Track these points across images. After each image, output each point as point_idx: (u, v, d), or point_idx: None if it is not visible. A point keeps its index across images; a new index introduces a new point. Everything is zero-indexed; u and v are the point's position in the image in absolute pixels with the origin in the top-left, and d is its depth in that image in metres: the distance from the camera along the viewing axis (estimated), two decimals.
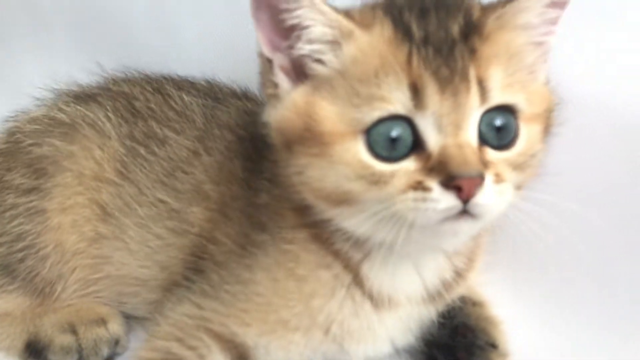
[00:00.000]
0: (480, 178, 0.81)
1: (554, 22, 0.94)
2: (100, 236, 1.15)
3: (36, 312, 1.19)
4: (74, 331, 1.18)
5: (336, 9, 0.89)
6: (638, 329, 1.14)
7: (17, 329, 1.18)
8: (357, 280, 1.00)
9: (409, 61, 0.84)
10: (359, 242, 0.97)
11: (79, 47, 1.71)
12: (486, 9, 0.90)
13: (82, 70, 1.33)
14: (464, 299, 1.14)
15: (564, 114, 0.98)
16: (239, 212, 1.05)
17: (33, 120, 1.22)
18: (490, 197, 0.82)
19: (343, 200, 0.88)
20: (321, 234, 0.98)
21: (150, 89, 1.23)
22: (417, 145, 0.85)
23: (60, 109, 1.22)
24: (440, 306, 1.09)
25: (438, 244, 0.98)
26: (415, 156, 0.85)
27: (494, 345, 1.10)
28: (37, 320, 1.19)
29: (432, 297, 1.04)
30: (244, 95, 1.25)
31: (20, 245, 1.15)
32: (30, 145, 1.18)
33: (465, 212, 0.82)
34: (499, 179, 0.84)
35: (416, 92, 0.83)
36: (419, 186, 0.82)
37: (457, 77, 0.83)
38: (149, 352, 1.05)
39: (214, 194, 1.09)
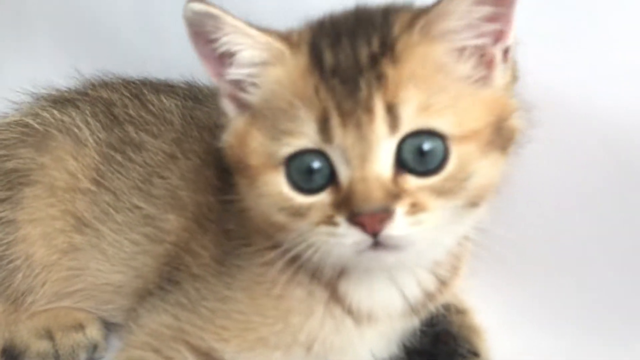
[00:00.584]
0: (386, 212, 0.79)
1: (493, 19, 0.85)
2: (75, 247, 1.13)
3: (11, 318, 1.18)
4: (50, 337, 1.17)
5: (269, 31, 0.88)
6: (623, 336, 1.13)
7: None
8: (336, 297, 0.98)
9: (317, 93, 0.82)
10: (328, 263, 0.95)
11: (62, 50, 1.70)
12: (413, 19, 0.85)
13: (63, 73, 1.31)
14: (448, 307, 1.12)
15: (535, 117, 0.94)
16: (215, 226, 1.03)
17: (7, 127, 1.20)
18: (402, 229, 0.80)
19: (276, 230, 0.88)
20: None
21: (128, 94, 1.21)
22: (333, 177, 0.84)
23: (36, 115, 1.20)
24: (424, 315, 1.07)
25: (383, 270, 0.95)
26: (330, 189, 0.84)
27: (475, 354, 1.09)
28: (12, 326, 1.17)
29: (415, 309, 1.02)
30: None
31: None
32: (4, 154, 1.16)
33: (380, 244, 0.81)
34: (415, 209, 0.81)
35: (324, 124, 0.82)
36: (329, 221, 0.82)
37: (360, 109, 0.81)
38: None
39: (189, 201, 1.07)
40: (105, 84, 1.28)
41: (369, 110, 0.80)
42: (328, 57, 0.84)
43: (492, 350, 1.10)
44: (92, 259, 1.13)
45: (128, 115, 1.17)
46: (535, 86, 1.09)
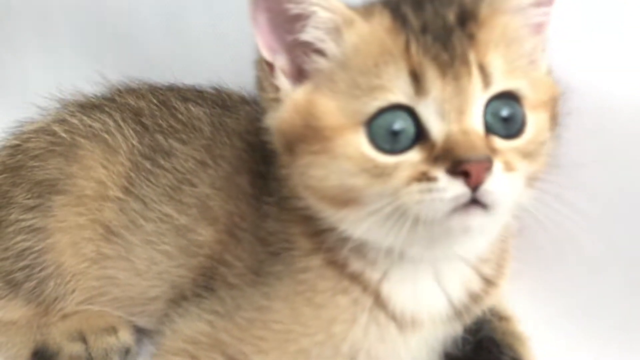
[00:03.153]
0: (489, 162, 0.79)
1: (547, 2, 0.91)
2: (104, 256, 1.12)
3: (43, 321, 1.18)
4: (83, 340, 1.17)
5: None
6: None
7: (24, 338, 1.17)
8: (379, 302, 0.96)
9: (407, 49, 0.83)
10: (373, 260, 0.94)
11: (86, 54, 1.69)
12: None
13: (88, 79, 1.29)
14: (492, 312, 1.10)
15: (570, 105, 0.96)
16: (249, 235, 1.01)
17: (36, 135, 1.19)
18: (500, 184, 0.80)
19: (347, 198, 0.85)
20: (335, 258, 0.94)
21: (155, 101, 1.19)
22: (420, 136, 0.82)
23: (64, 121, 1.19)
24: (468, 320, 1.04)
25: (449, 245, 0.92)
26: (419, 147, 0.82)
27: None
28: (44, 328, 1.17)
29: (459, 312, 1.00)
30: (254, 101, 1.19)
31: (22, 263, 1.13)
32: (33, 165, 1.15)
33: (474, 201, 0.79)
34: (508, 167, 0.81)
35: (416, 79, 0.81)
36: (423, 177, 0.80)
37: (458, 62, 0.81)
38: None
39: (221, 212, 1.05)
40: (131, 90, 1.26)
41: (467, 63, 0.82)
42: (413, 19, 0.85)
43: (535, 358, 1.07)
44: (121, 270, 1.12)
45: (156, 123, 1.15)
46: (581, 91, 1.06)
